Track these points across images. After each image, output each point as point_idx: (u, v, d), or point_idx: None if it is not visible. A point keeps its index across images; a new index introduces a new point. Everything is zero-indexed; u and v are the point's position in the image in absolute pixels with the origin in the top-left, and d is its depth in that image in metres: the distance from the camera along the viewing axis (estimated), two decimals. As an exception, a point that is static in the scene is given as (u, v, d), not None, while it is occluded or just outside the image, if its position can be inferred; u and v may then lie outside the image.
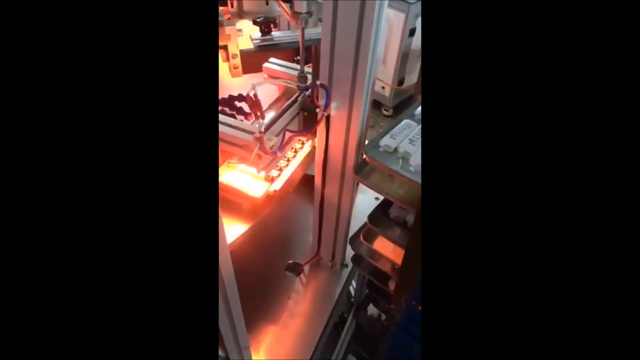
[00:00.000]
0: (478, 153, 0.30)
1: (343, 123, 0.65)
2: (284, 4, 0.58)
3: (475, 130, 0.30)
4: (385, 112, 2.48)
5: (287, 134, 0.60)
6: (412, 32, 2.15)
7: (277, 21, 0.93)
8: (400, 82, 2.34)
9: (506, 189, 0.29)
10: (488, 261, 0.30)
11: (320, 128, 0.67)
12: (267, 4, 1.21)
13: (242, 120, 0.79)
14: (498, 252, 0.30)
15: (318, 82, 0.58)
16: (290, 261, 0.93)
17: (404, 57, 2.22)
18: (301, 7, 0.55)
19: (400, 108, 2.46)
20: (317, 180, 0.76)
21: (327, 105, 0.58)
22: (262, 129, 0.55)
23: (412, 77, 2.37)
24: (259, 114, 0.57)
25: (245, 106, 0.82)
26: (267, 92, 0.82)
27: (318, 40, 0.58)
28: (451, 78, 0.30)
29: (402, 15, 2.08)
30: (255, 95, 0.57)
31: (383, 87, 2.37)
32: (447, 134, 0.31)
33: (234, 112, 0.79)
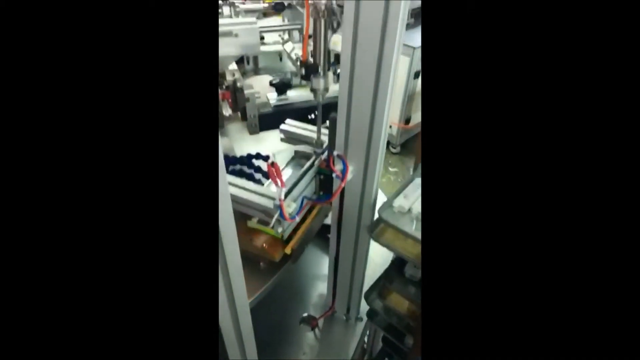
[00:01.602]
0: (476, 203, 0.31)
1: (358, 186, 0.68)
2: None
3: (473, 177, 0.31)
4: (392, 150, 2.53)
5: (306, 201, 0.62)
6: (417, 75, 2.23)
7: (291, 82, 0.98)
8: (407, 120, 2.40)
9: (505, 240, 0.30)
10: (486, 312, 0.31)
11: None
12: (280, 60, 1.28)
13: (259, 180, 0.83)
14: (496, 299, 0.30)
15: (335, 153, 0.62)
16: (305, 314, 0.93)
17: (409, 98, 2.30)
18: (319, 84, 0.59)
19: (407, 145, 2.51)
20: (332, 239, 0.78)
21: (344, 176, 0.61)
22: (282, 196, 0.58)
23: (418, 115, 2.43)
24: (279, 182, 0.60)
25: (262, 164, 0.86)
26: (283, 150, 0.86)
27: (334, 99, 0.61)
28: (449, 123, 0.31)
29: (407, 59, 2.17)
30: (275, 164, 0.61)
31: (390, 126, 2.43)
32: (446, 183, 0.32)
33: (252, 171, 0.83)
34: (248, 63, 1.22)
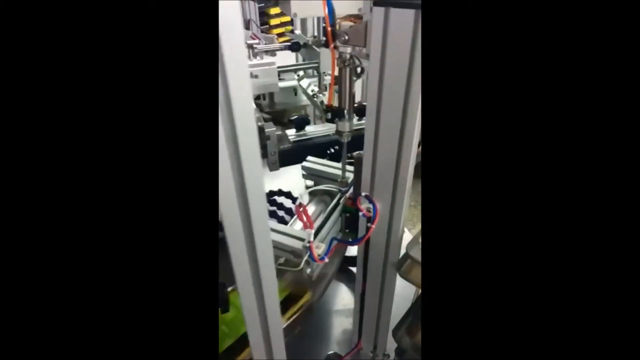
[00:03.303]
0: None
1: (385, 222, 0.67)
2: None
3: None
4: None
5: (335, 243, 0.62)
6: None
7: (308, 118, 1.00)
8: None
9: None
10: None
11: (362, 224, 0.70)
12: (295, 94, 1.31)
13: (282, 217, 0.83)
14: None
15: (363, 194, 0.62)
16: (331, 352, 0.90)
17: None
18: (345, 127, 0.61)
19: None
20: (358, 275, 0.77)
21: (374, 219, 0.61)
22: (312, 239, 0.58)
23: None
24: (307, 223, 0.60)
25: (285, 201, 0.87)
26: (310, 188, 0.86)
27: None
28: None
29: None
30: (303, 205, 0.61)
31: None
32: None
33: (275, 209, 0.84)
34: (264, 99, 1.25)
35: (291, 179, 0.96)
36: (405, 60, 0.51)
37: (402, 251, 0.72)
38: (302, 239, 0.61)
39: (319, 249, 0.60)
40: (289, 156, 0.96)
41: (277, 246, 0.64)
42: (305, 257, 0.60)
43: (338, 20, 0.54)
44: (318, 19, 0.96)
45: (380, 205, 0.66)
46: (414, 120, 0.56)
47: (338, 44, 0.54)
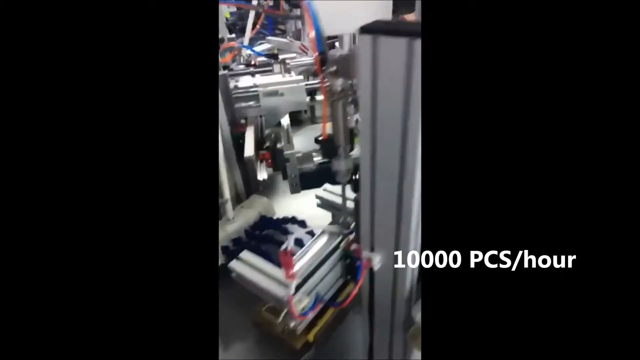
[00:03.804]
0: None
1: (388, 278, 0.57)
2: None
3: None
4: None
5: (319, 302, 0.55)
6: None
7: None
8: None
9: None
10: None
11: (365, 279, 0.61)
12: (339, 107, 1.23)
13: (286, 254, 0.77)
14: None
15: (353, 247, 0.53)
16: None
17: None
18: (340, 166, 0.53)
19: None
20: (365, 328, 0.68)
21: (357, 280, 0.52)
22: (292, 292, 0.52)
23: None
24: (290, 273, 0.54)
25: (298, 229, 0.81)
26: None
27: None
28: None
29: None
30: (289, 252, 0.55)
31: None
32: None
33: (286, 237, 0.78)
34: (305, 112, 1.21)
35: (314, 204, 0.90)
36: (399, 96, 0.41)
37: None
38: (287, 285, 0.55)
39: (301, 302, 0.53)
40: (313, 178, 0.89)
41: (259, 289, 0.59)
42: (286, 310, 0.53)
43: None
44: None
45: (383, 257, 0.56)
46: (414, 161, 0.45)
47: (327, 75, 0.46)
